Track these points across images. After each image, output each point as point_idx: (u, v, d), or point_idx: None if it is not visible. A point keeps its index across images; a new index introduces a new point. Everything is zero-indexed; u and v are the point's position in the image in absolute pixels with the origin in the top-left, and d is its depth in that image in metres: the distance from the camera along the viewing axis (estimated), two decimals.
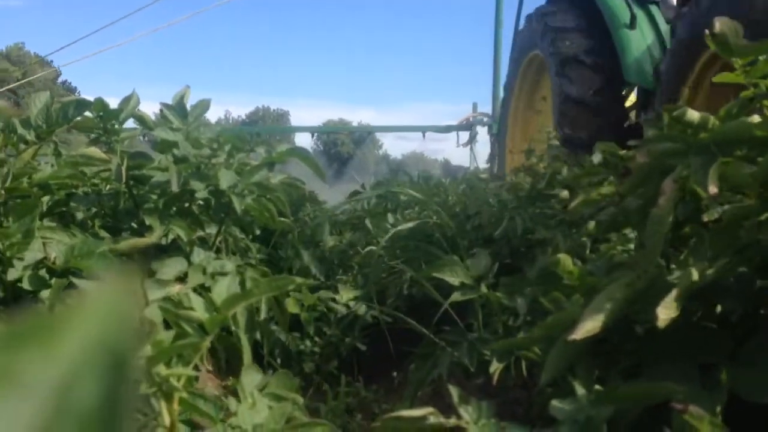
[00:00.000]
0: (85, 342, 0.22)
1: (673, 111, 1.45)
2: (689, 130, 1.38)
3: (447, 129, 11.30)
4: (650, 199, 1.27)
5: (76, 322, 0.22)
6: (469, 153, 12.24)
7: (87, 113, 2.05)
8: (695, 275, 1.08)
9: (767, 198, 1.19)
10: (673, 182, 1.18)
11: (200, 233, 2.43)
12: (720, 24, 1.39)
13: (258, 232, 3.17)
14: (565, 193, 2.69)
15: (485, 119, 10.61)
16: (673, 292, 1.06)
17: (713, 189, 1.12)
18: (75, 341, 0.22)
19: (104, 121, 2.08)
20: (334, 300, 2.78)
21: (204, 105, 2.32)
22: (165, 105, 2.24)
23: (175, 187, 2.00)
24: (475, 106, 12.04)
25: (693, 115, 1.39)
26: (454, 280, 1.73)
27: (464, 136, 12.23)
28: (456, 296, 1.73)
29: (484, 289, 1.72)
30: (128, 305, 0.23)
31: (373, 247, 3.14)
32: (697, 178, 1.14)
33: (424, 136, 11.39)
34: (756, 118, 1.25)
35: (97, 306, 0.23)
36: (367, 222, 3.35)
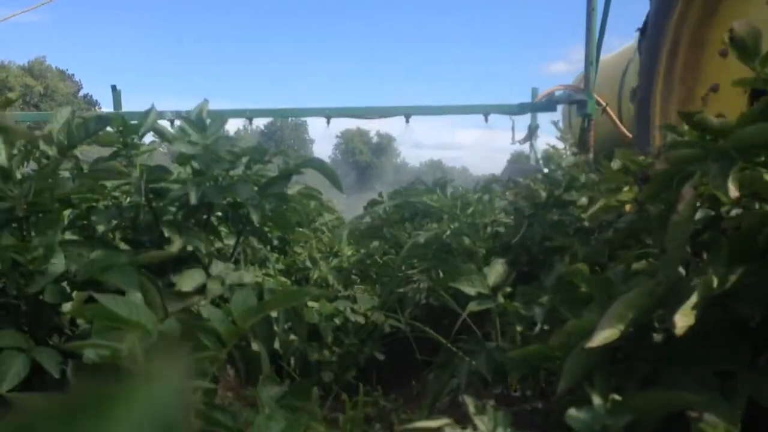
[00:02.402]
0: (138, 418, 0.24)
1: (692, 116, 1.44)
2: (708, 136, 1.37)
3: (520, 108, 8.05)
4: (670, 206, 1.26)
5: (129, 399, 0.23)
6: (529, 150, 9.53)
7: (108, 128, 2.08)
8: (714, 282, 1.07)
9: None
10: (693, 188, 1.17)
11: (219, 245, 2.45)
12: (739, 27, 1.38)
13: (276, 242, 3.19)
14: (583, 200, 2.67)
15: (576, 94, 7.35)
16: (692, 299, 1.05)
17: (734, 193, 1.11)
18: (128, 417, 0.23)
19: (124, 136, 2.11)
20: (352, 309, 2.79)
21: (222, 119, 2.35)
22: (183, 118, 2.27)
23: (194, 200, 2.02)
24: (534, 91, 9.29)
25: (712, 120, 1.38)
26: (470, 290, 1.73)
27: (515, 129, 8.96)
28: (473, 306, 1.73)
29: (500, 298, 1.71)
30: (179, 384, 0.24)
31: (391, 257, 3.15)
32: (717, 183, 1.13)
33: (486, 119, 8.18)
34: None
35: (149, 383, 0.24)
36: (385, 231, 3.35)
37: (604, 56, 7.04)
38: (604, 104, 6.51)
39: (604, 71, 6.77)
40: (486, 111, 7.89)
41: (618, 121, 6.54)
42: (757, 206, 1.35)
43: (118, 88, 7.73)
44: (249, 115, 7.52)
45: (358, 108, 7.97)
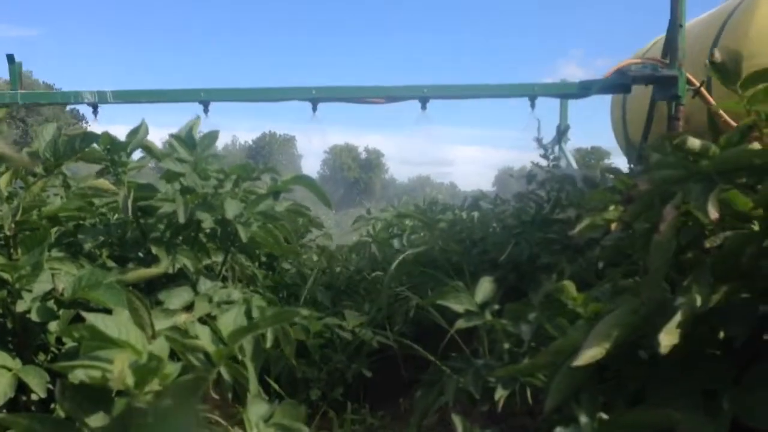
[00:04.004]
0: None
1: (675, 139, 1.46)
2: (690, 158, 1.40)
3: (581, 89, 5.36)
4: (654, 225, 1.28)
5: None
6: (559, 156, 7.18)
7: (94, 145, 2.08)
8: (698, 301, 1.08)
9: None
10: (674, 209, 1.19)
11: (207, 261, 2.45)
12: (720, 53, 1.41)
13: (264, 258, 3.19)
14: (570, 217, 2.70)
15: (662, 69, 5.00)
16: (676, 318, 1.06)
17: (714, 214, 1.13)
18: None
19: (112, 153, 2.11)
20: (340, 326, 2.78)
21: (213, 136, 2.36)
22: (173, 135, 2.27)
23: (182, 219, 2.02)
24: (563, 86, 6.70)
25: (694, 142, 1.40)
26: (458, 307, 1.73)
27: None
28: (460, 323, 1.74)
29: (488, 315, 1.72)
30: (192, 424, 0.25)
31: (380, 273, 3.15)
32: (698, 204, 1.15)
33: (533, 104, 5.33)
34: (756, 146, 1.26)
35: (163, 425, 0.25)
36: (373, 248, 3.36)
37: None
38: (697, 84, 4.74)
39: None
40: (533, 93, 5.33)
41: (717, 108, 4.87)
42: (740, 226, 1.37)
43: (17, 59, 6.14)
44: (204, 96, 5.00)
45: (357, 88, 5.17)
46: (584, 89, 5.23)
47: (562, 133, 7.53)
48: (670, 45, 4.60)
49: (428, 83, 4.67)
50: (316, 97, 4.97)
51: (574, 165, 7.17)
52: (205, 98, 4.89)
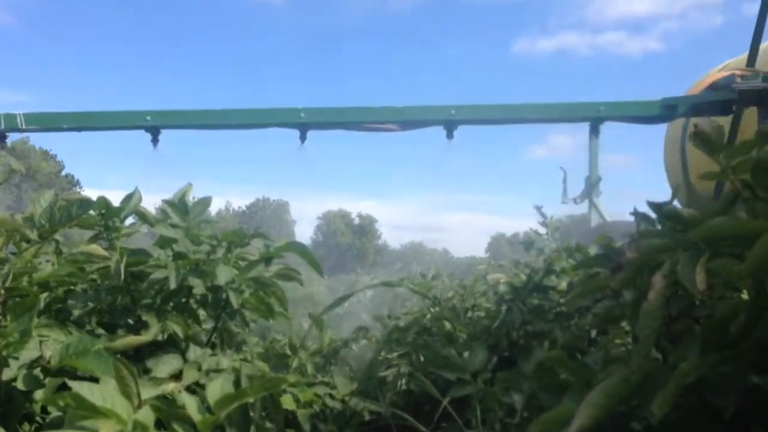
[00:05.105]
0: None
1: (661, 207, 1.49)
2: (678, 227, 1.42)
3: (662, 110, 3.95)
4: (643, 293, 1.29)
5: None
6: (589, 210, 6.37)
7: (90, 211, 2.09)
8: (688, 370, 1.08)
9: (758, 293, 1.20)
10: (663, 277, 1.20)
11: (197, 328, 2.43)
12: (702, 123, 1.45)
13: (255, 325, 3.16)
14: (563, 285, 2.70)
15: None
16: (667, 388, 1.06)
17: (702, 285, 1.14)
18: None
19: (106, 219, 2.12)
20: (330, 395, 2.74)
21: (205, 202, 2.38)
22: (166, 201, 2.29)
23: (173, 285, 2.02)
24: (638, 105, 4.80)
25: (681, 211, 1.43)
26: (451, 376, 1.72)
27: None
28: (453, 392, 1.72)
29: (480, 384, 1.71)
30: None
31: (371, 341, 3.13)
32: (685, 274, 1.16)
33: (596, 131, 4.59)
34: (742, 215, 1.29)
35: None
36: (363, 316, 3.35)
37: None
38: None
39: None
40: (598, 114, 3.91)
41: None
42: (730, 295, 1.38)
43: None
44: (151, 121, 3.65)
45: (361, 109, 3.66)
46: (668, 109, 3.97)
47: (592, 185, 6.40)
48: None
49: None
50: (305, 121, 3.69)
51: (608, 219, 6.27)
52: (152, 123, 3.66)
